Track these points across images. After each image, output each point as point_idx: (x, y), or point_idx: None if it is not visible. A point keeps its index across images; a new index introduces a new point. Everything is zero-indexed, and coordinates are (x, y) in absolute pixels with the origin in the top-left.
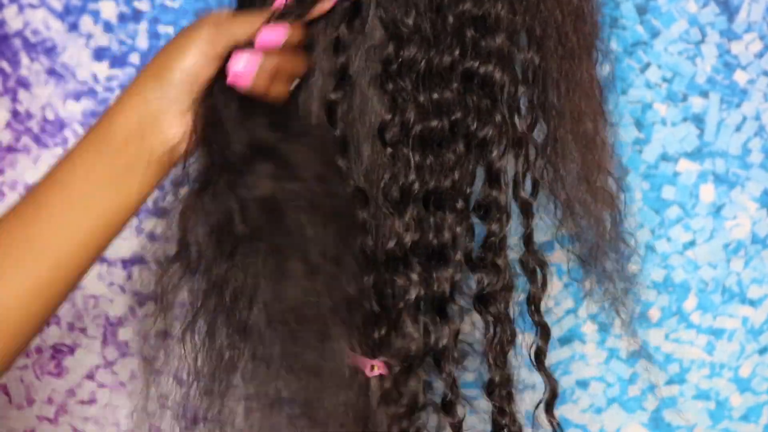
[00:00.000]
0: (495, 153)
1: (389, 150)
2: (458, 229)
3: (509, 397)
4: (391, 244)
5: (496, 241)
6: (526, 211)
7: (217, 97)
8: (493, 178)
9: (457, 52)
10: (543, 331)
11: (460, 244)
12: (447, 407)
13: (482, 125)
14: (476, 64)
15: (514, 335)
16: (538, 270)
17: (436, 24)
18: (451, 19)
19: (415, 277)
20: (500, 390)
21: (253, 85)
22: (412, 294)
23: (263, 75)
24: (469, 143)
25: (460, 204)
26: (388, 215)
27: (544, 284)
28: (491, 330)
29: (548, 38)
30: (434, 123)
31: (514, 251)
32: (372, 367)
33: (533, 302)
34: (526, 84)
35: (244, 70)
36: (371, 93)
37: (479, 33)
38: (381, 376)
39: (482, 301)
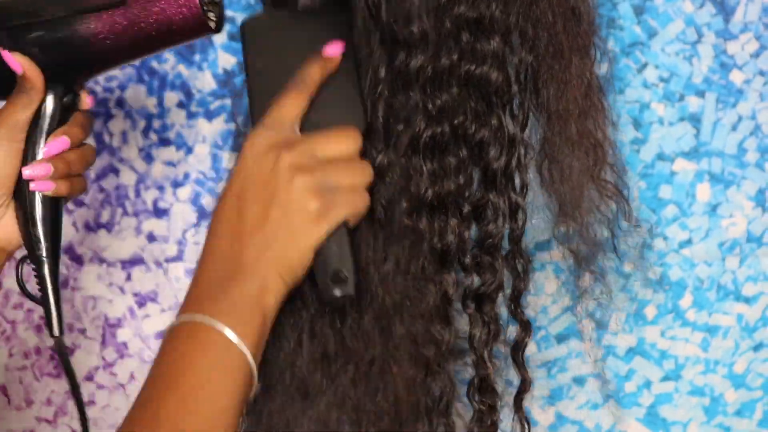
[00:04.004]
0: (492, 154)
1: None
2: (465, 234)
3: (495, 394)
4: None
5: (494, 243)
6: (515, 211)
7: None
8: (489, 179)
9: (455, 56)
10: (525, 327)
11: (463, 249)
12: (444, 409)
13: (479, 127)
14: (473, 66)
15: (499, 332)
16: (522, 268)
17: (436, 29)
18: (447, 23)
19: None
20: (489, 388)
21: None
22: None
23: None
24: (468, 146)
25: (466, 209)
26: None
27: (527, 282)
28: (486, 328)
29: (540, 39)
30: (438, 128)
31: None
32: None
33: (516, 299)
34: (519, 84)
35: (35, 175)
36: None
37: (474, 36)
38: None
39: (476, 301)
